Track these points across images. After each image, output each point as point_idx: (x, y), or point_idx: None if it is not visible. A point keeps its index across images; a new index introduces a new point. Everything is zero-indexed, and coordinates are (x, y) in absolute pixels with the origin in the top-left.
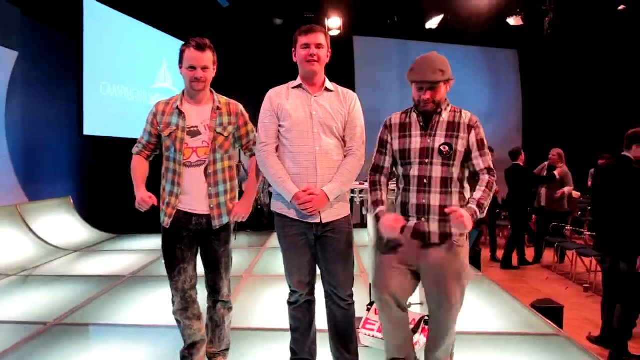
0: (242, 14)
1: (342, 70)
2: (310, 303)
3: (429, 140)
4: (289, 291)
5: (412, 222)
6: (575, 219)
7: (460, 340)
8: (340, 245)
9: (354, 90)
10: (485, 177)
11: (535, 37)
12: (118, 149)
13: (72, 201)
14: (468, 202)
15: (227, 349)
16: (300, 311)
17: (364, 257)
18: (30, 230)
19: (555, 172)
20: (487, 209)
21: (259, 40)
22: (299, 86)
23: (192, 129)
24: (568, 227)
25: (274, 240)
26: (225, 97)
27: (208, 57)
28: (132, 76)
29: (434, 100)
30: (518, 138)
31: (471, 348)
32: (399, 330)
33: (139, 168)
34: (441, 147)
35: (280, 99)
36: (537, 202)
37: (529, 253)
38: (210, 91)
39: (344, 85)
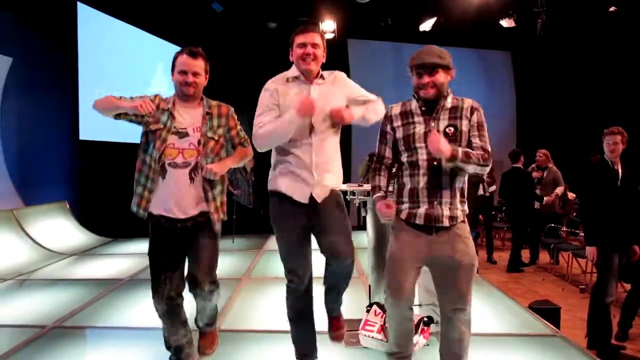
0: (236, 18)
1: None
2: (309, 292)
3: (433, 124)
4: (286, 280)
5: (423, 208)
6: (570, 220)
7: None
8: (335, 214)
9: None
10: (480, 152)
11: (528, 38)
12: (113, 154)
13: (68, 205)
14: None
15: (212, 324)
16: (299, 300)
17: (363, 260)
18: (27, 234)
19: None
20: (465, 160)
21: (254, 44)
22: (296, 77)
23: (179, 130)
24: (563, 229)
25: (271, 242)
26: (215, 101)
27: (200, 64)
28: (127, 81)
29: (434, 85)
30: (512, 139)
31: (470, 349)
32: (404, 328)
33: (109, 97)
34: (446, 130)
35: (281, 87)
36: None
37: (524, 255)
38: (201, 98)
39: None
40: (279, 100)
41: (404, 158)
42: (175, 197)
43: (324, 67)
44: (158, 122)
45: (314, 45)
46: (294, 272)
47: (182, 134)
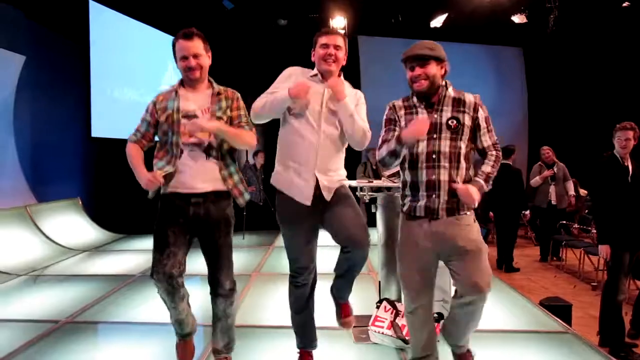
0: (246, 15)
1: (347, 70)
2: (312, 285)
3: (435, 116)
4: (290, 273)
5: (422, 201)
6: (582, 217)
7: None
8: (344, 205)
9: (359, 89)
10: (493, 152)
11: (539, 34)
12: (125, 151)
13: (80, 202)
14: (475, 176)
15: (230, 346)
16: (302, 291)
17: (373, 256)
18: (40, 230)
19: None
20: (490, 185)
21: (264, 42)
22: (315, 75)
23: (188, 113)
24: (575, 226)
25: (281, 239)
26: (222, 86)
27: (197, 45)
28: (138, 78)
29: (426, 77)
30: (524, 135)
31: (481, 345)
32: (426, 329)
33: (137, 155)
34: (449, 122)
35: (298, 77)
36: (545, 201)
37: (535, 252)
38: (209, 80)
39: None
40: (292, 83)
41: (406, 150)
42: (189, 172)
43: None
44: (166, 110)
45: (337, 47)
46: (298, 269)
47: (191, 116)
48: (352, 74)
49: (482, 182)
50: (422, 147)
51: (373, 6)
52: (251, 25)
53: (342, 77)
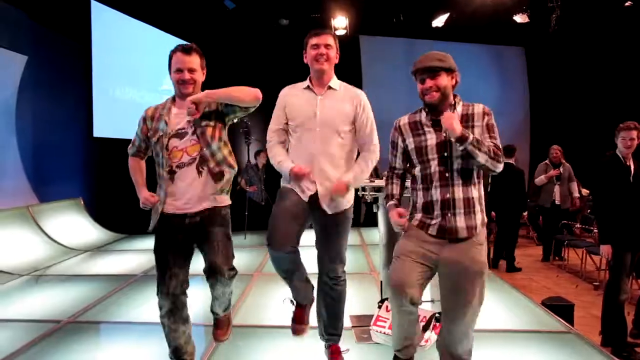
0: (248, 15)
1: (348, 69)
2: (295, 254)
3: (444, 135)
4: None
5: (437, 220)
6: (584, 217)
7: None
8: (340, 229)
9: (360, 89)
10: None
11: (542, 34)
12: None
13: (82, 202)
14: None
15: (228, 309)
16: (284, 260)
17: (375, 256)
18: (42, 231)
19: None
20: (475, 146)
21: (265, 41)
22: (307, 87)
23: (178, 131)
24: (577, 225)
25: None
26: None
27: (194, 60)
28: (140, 78)
29: (438, 89)
30: (526, 135)
31: (483, 345)
32: (406, 324)
33: (138, 169)
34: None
35: (291, 98)
36: (548, 200)
37: (537, 252)
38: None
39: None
40: (286, 109)
41: (417, 171)
42: (184, 193)
43: (336, 65)
44: (158, 131)
45: (327, 46)
46: (272, 238)
47: (182, 134)
48: (354, 73)
49: (471, 134)
50: (434, 166)
51: (375, 6)
52: (253, 25)
53: (334, 78)
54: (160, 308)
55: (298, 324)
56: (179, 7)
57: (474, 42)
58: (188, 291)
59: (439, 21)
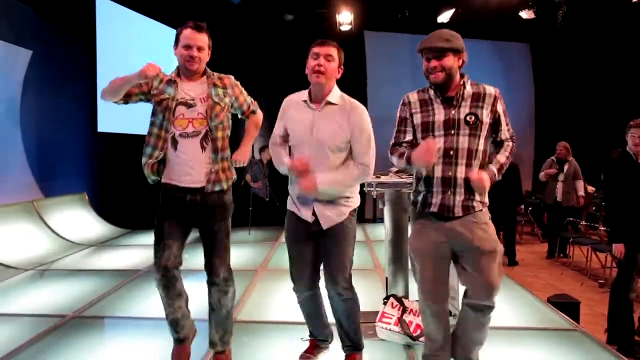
0: (253, 10)
1: (353, 65)
2: (315, 297)
3: (453, 112)
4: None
5: (437, 197)
6: (590, 214)
7: None
8: (336, 240)
9: (365, 86)
10: (510, 144)
11: (548, 30)
12: (132, 146)
13: (87, 197)
14: (489, 163)
15: (226, 339)
16: (305, 304)
17: (379, 252)
18: (47, 225)
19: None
20: (502, 172)
21: (270, 37)
22: (305, 100)
23: (187, 100)
24: (582, 223)
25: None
26: (217, 73)
27: (204, 39)
28: None
29: (443, 69)
30: (531, 131)
31: (488, 343)
32: (441, 327)
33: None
34: (467, 118)
35: (291, 111)
36: (551, 196)
37: (542, 249)
38: (205, 70)
39: (355, 82)
40: (286, 122)
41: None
42: (187, 165)
43: (343, 63)
44: (163, 93)
45: (327, 57)
46: (295, 280)
47: (190, 105)
48: (359, 69)
49: (495, 170)
50: (440, 143)
51: (380, 1)
52: (258, 20)
53: (334, 90)
54: (155, 280)
55: (305, 352)
56: (184, 2)
57: (479, 38)
58: (189, 286)
59: (445, 17)
